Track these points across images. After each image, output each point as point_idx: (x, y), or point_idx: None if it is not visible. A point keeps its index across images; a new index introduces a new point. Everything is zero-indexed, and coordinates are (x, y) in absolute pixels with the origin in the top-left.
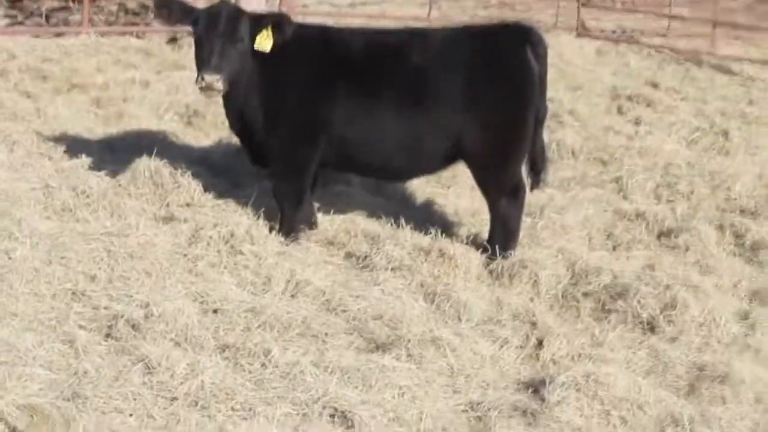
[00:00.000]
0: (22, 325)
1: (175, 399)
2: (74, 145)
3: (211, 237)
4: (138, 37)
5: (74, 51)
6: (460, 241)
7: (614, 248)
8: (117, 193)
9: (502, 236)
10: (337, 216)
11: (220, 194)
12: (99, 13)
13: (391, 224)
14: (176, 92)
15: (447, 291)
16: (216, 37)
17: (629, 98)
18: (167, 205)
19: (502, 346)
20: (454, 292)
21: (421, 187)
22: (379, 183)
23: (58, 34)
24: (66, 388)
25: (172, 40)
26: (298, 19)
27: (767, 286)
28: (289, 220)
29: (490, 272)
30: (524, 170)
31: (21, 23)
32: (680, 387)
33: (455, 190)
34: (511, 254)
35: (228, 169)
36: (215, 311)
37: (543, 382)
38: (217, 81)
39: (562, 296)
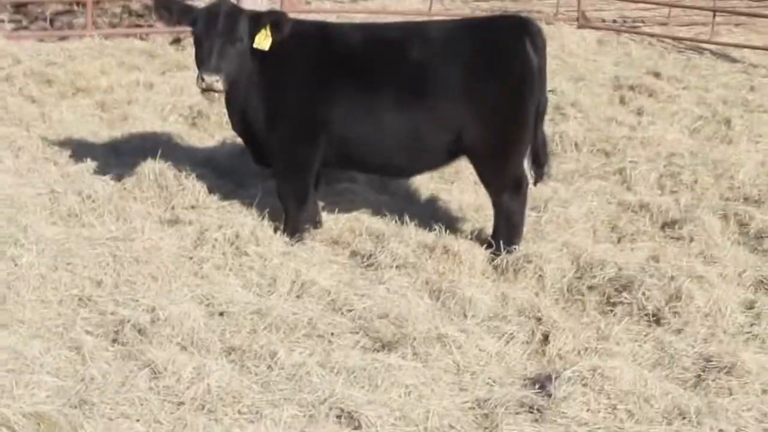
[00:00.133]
0: (29, 332)
1: (181, 403)
2: (79, 150)
3: (216, 239)
4: (142, 38)
5: (78, 54)
6: (465, 236)
7: (619, 240)
8: (122, 197)
9: (506, 231)
10: (341, 214)
11: (225, 195)
12: (103, 15)
13: (396, 222)
14: (180, 93)
15: (452, 288)
16: (215, 36)
17: (631, 88)
18: (172, 207)
19: (507, 342)
20: (459, 289)
21: (425, 183)
22: (384, 180)
23: (63, 38)
24: (73, 395)
25: (176, 41)
26: (301, 15)
27: None
28: (294, 220)
29: (495, 268)
30: (527, 164)
31: (26, 28)
32: (687, 379)
33: (459, 185)
34: (515, 249)
35: (232, 170)
36: (221, 314)
37: (549, 378)
38: (217, 81)
39: (568, 290)
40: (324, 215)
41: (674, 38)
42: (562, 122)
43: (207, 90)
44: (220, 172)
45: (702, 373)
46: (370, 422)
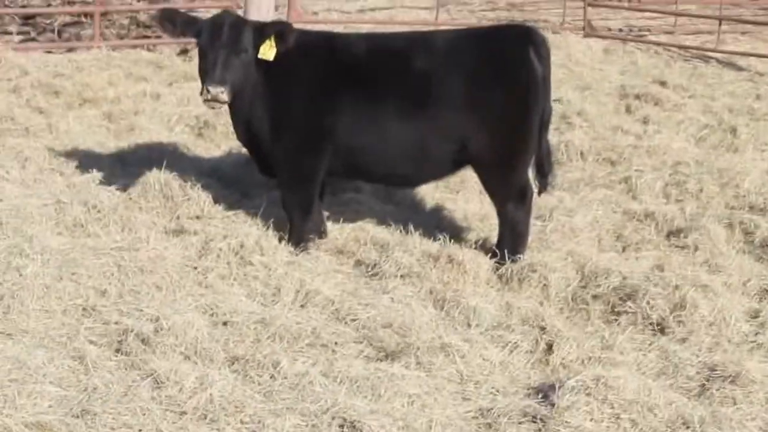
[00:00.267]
0: (33, 342)
1: (184, 413)
2: (86, 160)
3: (220, 249)
4: (149, 49)
5: (86, 65)
6: (469, 246)
7: (623, 249)
8: (128, 207)
9: (511, 240)
10: (346, 224)
11: (230, 205)
12: (111, 27)
13: (401, 231)
14: (187, 104)
15: (456, 297)
16: (219, 48)
17: (637, 97)
18: (177, 217)
19: (511, 352)
20: (464, 298)
21: (430, 193)
22: (389, 189)
23: (70, 49)
24: (75, 405)
25: (183, 52)
26: (308, 26)
27: None
28: (298, 229)
29: (500, 277)
30: (531, 173)
31: (34, 39)
32: (691, 388)
33: (464, 194)
34: (520, 258)
35: (238, 180)
36: (225, 323)
37: (553, 387)
38: (222, 93)
39: (572, 299)
40: (329, 225)
41: (680, 47)
42: (567, 131)
43: (212, 101)
44: (225, 182)
45: (706, 383)
46: None
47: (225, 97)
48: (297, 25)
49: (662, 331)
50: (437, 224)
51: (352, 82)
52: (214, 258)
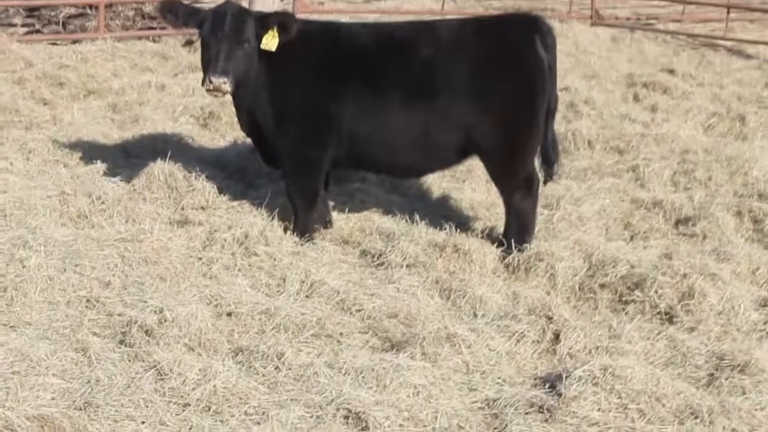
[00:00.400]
0: (36, 334)
1: (187, 405)
2: (90, 151)
3: (225, 239)
4: (154, 41)
5: (90, 57)
6: (476, 235)
7: (631, 238)
8: (132, 198)
9: (517, 229)
10: (352, 214)
11: (235, 196)
12: (116, 18)
13: (407, 221)
14: (192, 94)
15: (462, 287)
16: (222, 38)
17: (645, 85)
18: (182, 208)
19: (518, 341)
20: (470, 288)
21: (436, 182)
22: (394, 179)
23: (75, 41)
24: (78, 397)
25: (188, 43)
26: (314, 16)
27: None
28: (303, 220)
29: (506, 266)
30: (537, 162)
31: (39, 31)
32: (699, 378)
33: (470, 183)
34: (526, 247)
35: (243, 170)
36: (229, 314)
37: (560, 377)
38: (224, 83)
39: (579, 288)
40: (334, 215)
41: (688, 35)
42: (575, 120)
43: (214, 91)
44: (230, 173)
45: (715, 372)
46: (377, 423)
47: (227, 87)
48: (303, 15)
49: (670, 320)
50: (443, 214)
51: (355, 71)
52: (218, 248)
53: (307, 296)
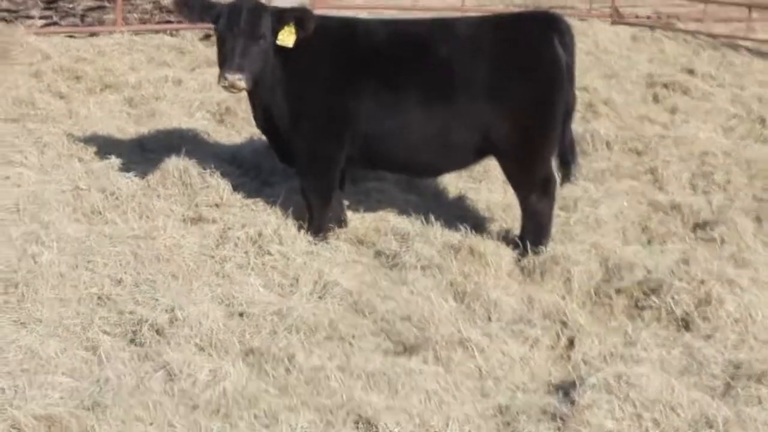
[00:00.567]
0: (46, 331)
1: (196, 407)
2: (105, 146)
3: (238, 238)
4: (172, 34)
5: (108, 50)
6: (492, 237)
7: (649, 242)
8: (146, 195)
9: (534, 232)
10: (368, 213)
11: (249, 193)
12: (134, 11)
13: (422, 221)
14: (209, 89)
15: (477, 290)
16: (238, 34)
17: (665, 86)
18: (196, 205)
19: (532, 347)
20: (484, 291)
21: (453, 182)
22: (411, 179)
23: (93, 34)
24: (87, 397)
25: (206, 37)
26: (332, 11)
27: None
28: (318, 218)
29: (522, 269)
30: (554, 163)
31: (56, 24)
32: (715, 387)
33: (487, 184)
34: (543, 250)
35: (258, 167)
36: (241, 314)
37: (573, 384)
38: (239, 80)
39: (595, 293)
40: (350, 214)
41: (709, 35)
42: (593, 120)
43: (230, 87)
44: (245, 170)
45: (731, 381)
46: (388, 428)
47: (243, 84)
48: (321, 11)
49: (687, 327)
50: (459, 214)
51: (372, 69)
52: (231, 247)
53: (320, 297)
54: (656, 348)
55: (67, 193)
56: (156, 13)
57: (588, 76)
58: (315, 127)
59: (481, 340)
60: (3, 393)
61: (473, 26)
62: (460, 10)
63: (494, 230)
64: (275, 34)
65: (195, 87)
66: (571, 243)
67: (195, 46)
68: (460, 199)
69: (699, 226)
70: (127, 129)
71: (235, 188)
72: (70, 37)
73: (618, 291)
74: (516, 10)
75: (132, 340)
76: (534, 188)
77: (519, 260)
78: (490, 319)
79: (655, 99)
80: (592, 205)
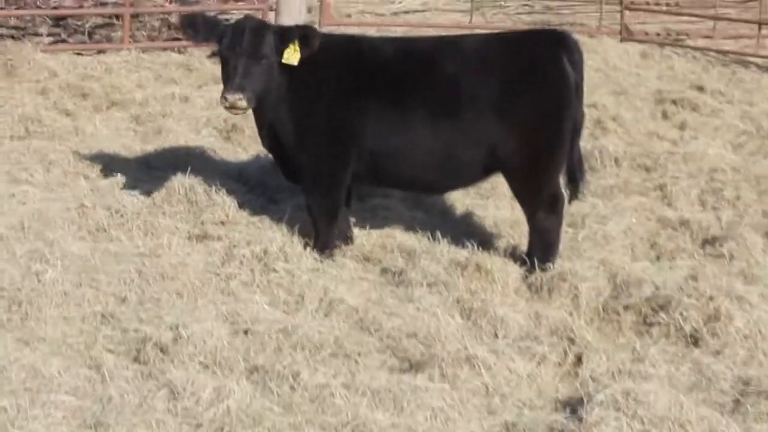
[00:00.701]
0: (49, 350)
1: (200, 426)
2: (111, 164)
3: (244, 255)
4: (179, 51)
5: (115, 67)
6: (499, 254)
7: (657, 258)
8: (151, 212)
9: (541, 249)
10: (374, 230)
11: (255, 211)
12: (142, 29)
13: (429, 238)
14: (215, 107)
15: (484, 307)
16: (239, 54)
17: (674, 102)
18: (201, 223)
19: (539, 364)
20: (491, 308)
21: (460, 199)
22: (418, 195)
23: (100, 51)
24: (89, 416)
25: (213, 54)
26: (340, 28)
27: None
28: (324, 236)
29: (529, 286)
30: (562, 180)
31: (64, 41)
32: (724, 403)
33: (495, 200)
34: (550, 267)
35: (264, 185)
36: (246, 332)
37: (581, 401)
38: (240, 99)
39: (603, 310)
40: (356, 231)
41: (719, 51)
42: (602, 137)
43: (231, 108)
44: (251, 187)
45: (740, 398)
46: None
47: (243, 104)
48: (329, 28)
49: (695, 343)
50: (466, 231)
51: (377, 86)
52: (237, 264)
53: (325, 314)
54: (665, 364)
55: (72, 210)
56: (164, 31)
57: (597, 93)
58: (321, 144)
59: (487, 357)
60: (5, 412)
61: (480, 43)
62: (468, 27)
63: (501, 247)
64: (279, 52)
65: (202, 104)
66: (579, 259)
67: (202, 63)
68: (467, 216)
69: (708, 242)
70: (134, 146)
71: (241, 205)
72: (78, 54)
73: (626, 307)
74: (524, 27)
75: (136, 359)
76: (542, 205)
77: (526, 277)
78: (496, 335)
79: (664, 115)
80: (601, 222)
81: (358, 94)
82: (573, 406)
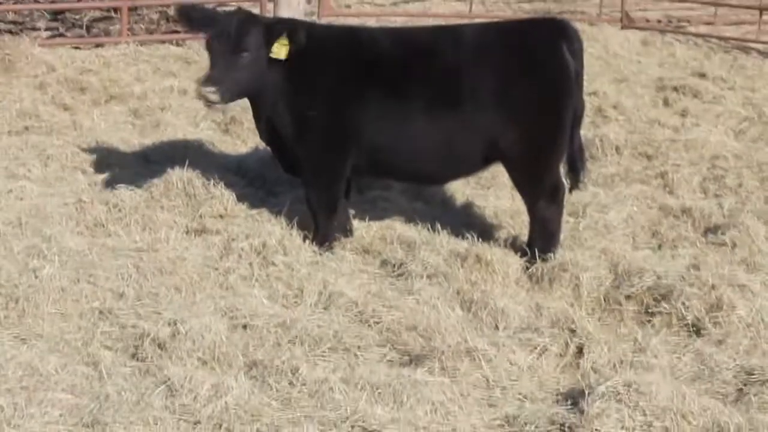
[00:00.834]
0: (47, 347)
1: (198, 422)
2: (109, 158)
3: (242, 249)
4: (178, 44)
5: (113, 61)
6: (499, 244)
7: (659, 247)
8: (149, 206)
9: (542, 239)
10: (373, 222)
11: (254, 204)
12: (140, 22)
13: (428, 229)
14: None
15: (484, 298)
16: (221, 48)
17: (675, 89)
18: (200, 216)
19: (540, 355)
20: (492, 299)
21: (460, 189)
22: (417, 187)
23: (99, 45)
24: (86, 414)
25: None
26: (340, 19)
27: None
28: (323, 229)
29: (530, 277)
30: (563, 169)
31: (62, 35)
32: (727, 393)
33: (495, 191)
34: (551, 257)
35: (263, 177)
36: (245, 327)
37: (582, 393)
38: (212, 92)
39: (604, 300)
40: (355, 223)
41: (720, 38)
42: (603, 125)
43: (205, 102)
44: (250, 180)
45: (743, 387)
46: None
47: (215, 97)
48: (329, 18)
49: (698, 332)
50: (466, 222)
51: (376, 77)
52: (235, 258)
53: (324, 308)
54: (667, 354)
55: (69, 205)
56: (162, 24)
57: (598, 81)
58: (319, 137)
59: (488, 349)
60: (2, 411)
61: (480, 33)
62: (468, 16)
63: (502, 237)
64: (268, 46)
65: None
66: (580, 249)
67: (201, 56)
68: (467, 207)
69: (710, 230)
70: (132, 140)
71: (240, 199)
72: (76, 48)
73: (628, 297)
74: (524, 16)
75: (133, 355)
76: (542, 195)
77: (527, 267)
78: (497, 327)
79: (666, 103)
80: (602, 211)
81: (357, 86)
82: (574, 398)
